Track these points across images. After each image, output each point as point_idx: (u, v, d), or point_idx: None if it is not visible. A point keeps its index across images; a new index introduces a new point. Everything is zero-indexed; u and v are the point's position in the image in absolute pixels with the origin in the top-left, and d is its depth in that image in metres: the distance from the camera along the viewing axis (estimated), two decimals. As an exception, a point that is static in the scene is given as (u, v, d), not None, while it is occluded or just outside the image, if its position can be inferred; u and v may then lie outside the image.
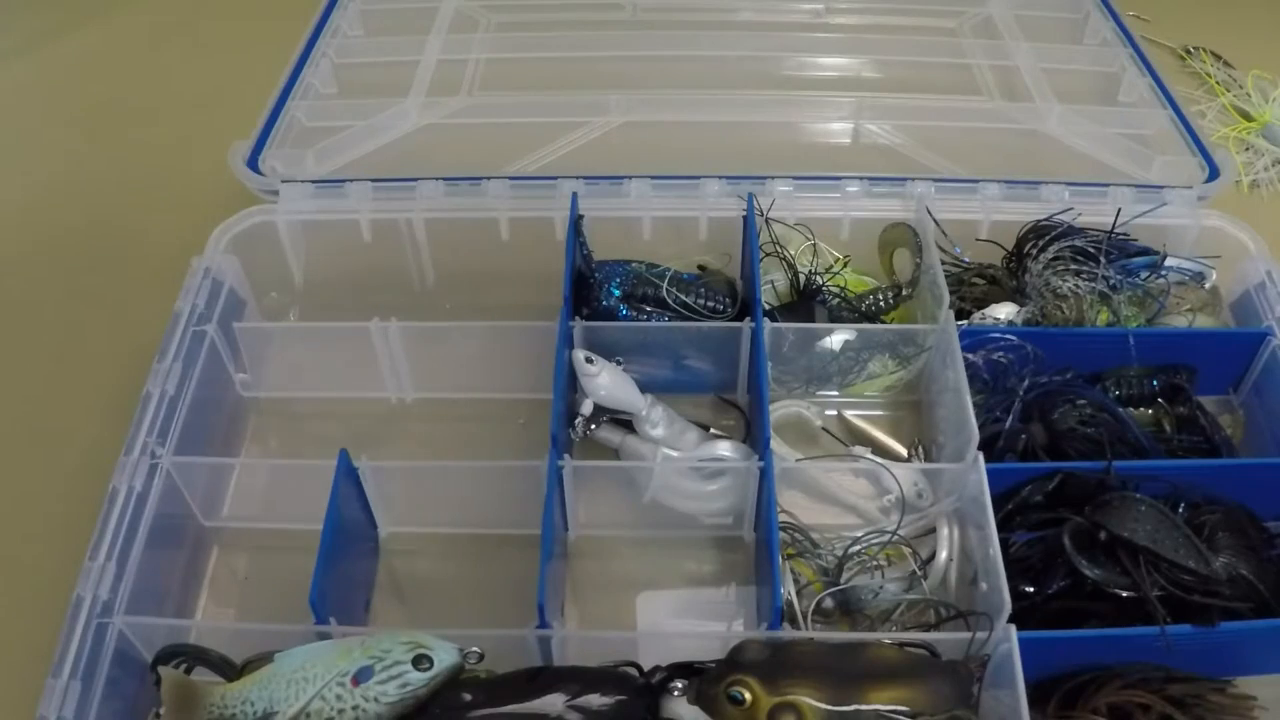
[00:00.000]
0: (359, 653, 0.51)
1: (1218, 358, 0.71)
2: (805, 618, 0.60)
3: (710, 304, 0.72)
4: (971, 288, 0.76)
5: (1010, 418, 0.66)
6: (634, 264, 0.74)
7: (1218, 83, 1.02)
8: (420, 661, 0.50)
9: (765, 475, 0.61)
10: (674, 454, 0.68)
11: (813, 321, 0.72)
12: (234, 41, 1.09)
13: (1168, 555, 0.56)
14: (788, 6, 1.02)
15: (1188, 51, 1.06)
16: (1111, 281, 0.71)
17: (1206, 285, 0.75)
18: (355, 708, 0.50)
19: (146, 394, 0.66)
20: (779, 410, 0.72)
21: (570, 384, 0.68)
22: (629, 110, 0.88)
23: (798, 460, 0.69)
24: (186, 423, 0.66)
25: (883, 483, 0.67)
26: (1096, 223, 0.74)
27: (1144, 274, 0.73)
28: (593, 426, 0.69)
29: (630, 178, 0.78)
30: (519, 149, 0.85)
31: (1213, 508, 0.60)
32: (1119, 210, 0.74)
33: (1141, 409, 0.70)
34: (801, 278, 0.75)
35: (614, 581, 0.67)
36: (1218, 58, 1.04)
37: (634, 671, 0.54)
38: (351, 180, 0.79)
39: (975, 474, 0.59)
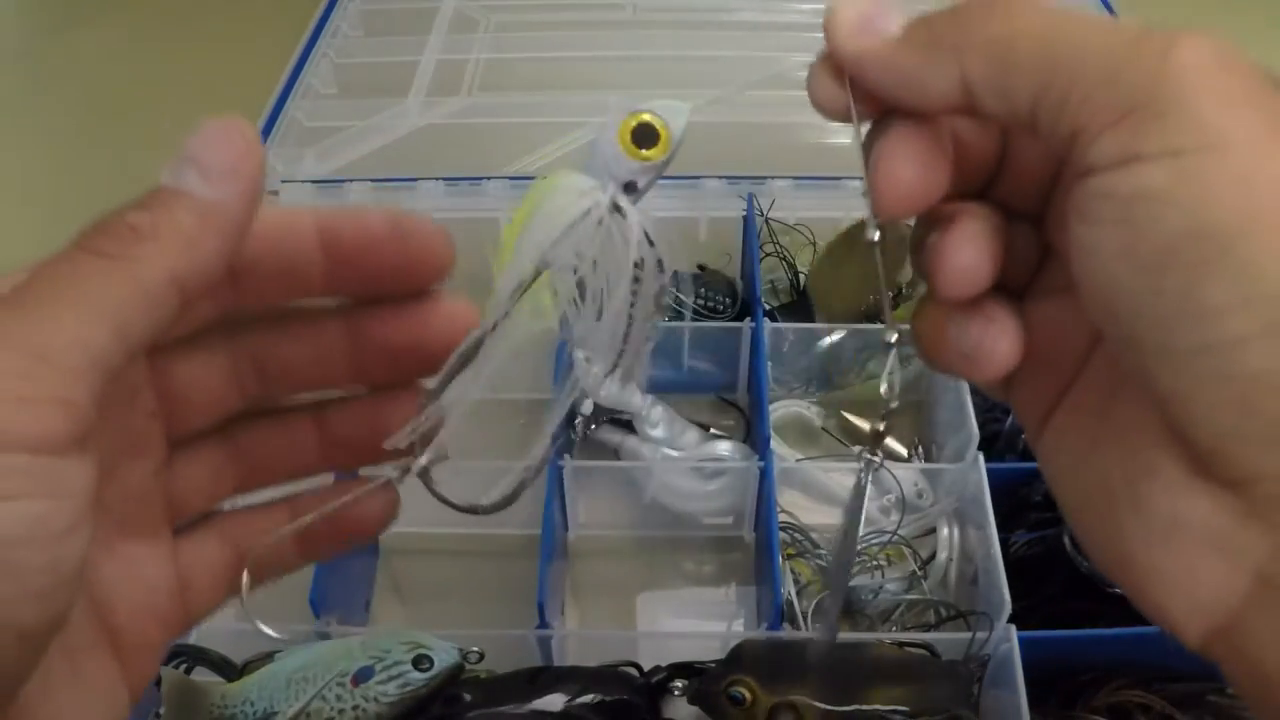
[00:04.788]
0: (359, 653, 0.51)
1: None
2: (805, 618, 0.60)
3: (710, 304, 0.72)
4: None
5: (1010, 418, 0.66)
6: (634, 264, 0.74)
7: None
8: (420, 661, 0.50)
9: (765, 475, 0.61)
10: (674, 454, 0.68)
11: (813, 321, 0.72)
12: (234, 41, 1.09)
13: (1168, 555, 0.56)
14: (788, 6, 1.02)
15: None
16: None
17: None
18: (355, 708, 0.50)
19: (147, 394, 0.66)
20: (779, 410, 0.72)
21: (570, 384, 0.67)
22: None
23: (798, 460, 0.69)
24: (187, 423, 0.66)
25: (883, 483, 0.67)
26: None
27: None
28: (593, 426, 0.69)
29: (630, 178, 0.78)
30: (519, 149, 0.85)
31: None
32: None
33: (1141, 409, 0.70)
34: (801, 278, 0.75)
35: (614, 581, 0.67)
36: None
37: (634, 671, 0.54)
38: (352, 180, 0.79)
39: (975, 474, 0.59)
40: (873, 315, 0.74)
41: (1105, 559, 0.26)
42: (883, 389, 0.27)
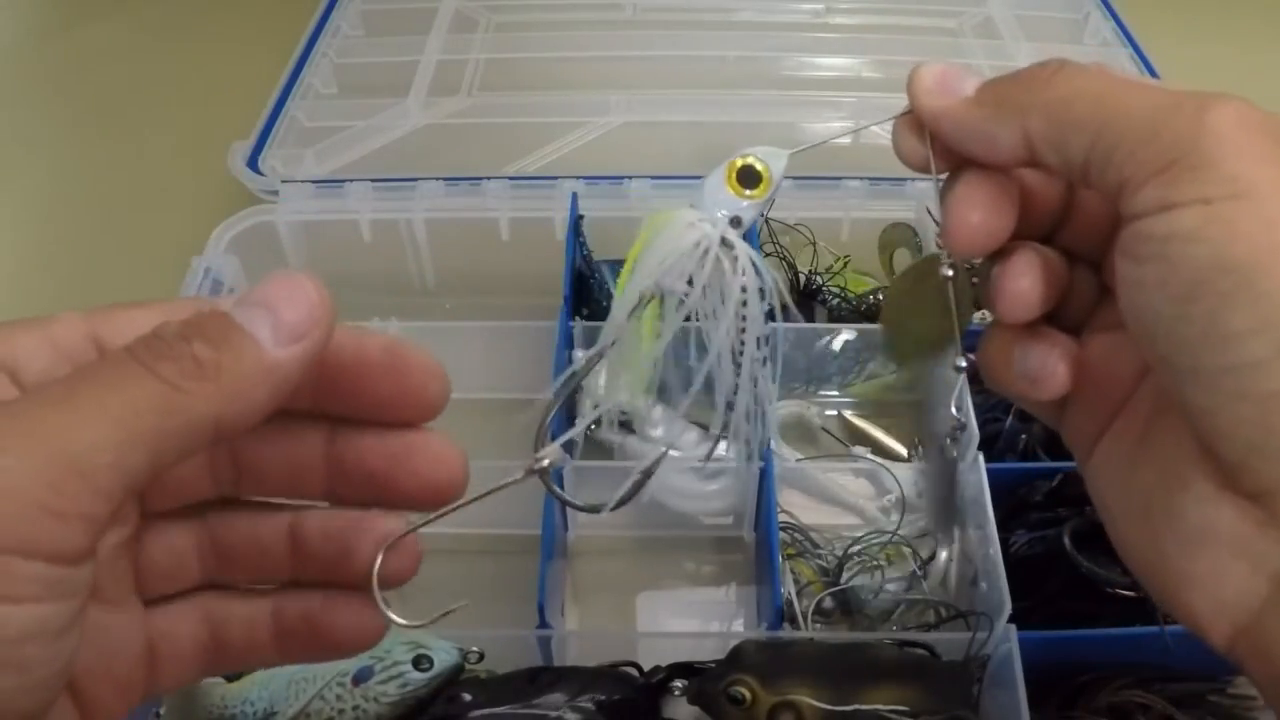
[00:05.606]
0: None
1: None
2: (805, 618, 0.60)
3: (710, 304, 0.72)
4: (972, 287, 0.76)
5: (1010, 418, 0.66)
6: (634, 264, 0.74)
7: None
8: (420, 661, 0.50)
9: (765, 475, 0.61)
10: (674, 454, 0.68)
11: (813, 321, 0.72)
12: (234, 41, 1.09)
13: (1168, 555, 0.56)
14: (788, 6, 1.02)
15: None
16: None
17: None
18: (355, 708, 0.50)
19: (147, 394, 0.66)
20: (779, 410, 0.72)
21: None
22: (629, 110, 0.88)
23: (798, 460, 0.69)
24: (187, 423, 0.66)
25: (883, 483, 0.67)
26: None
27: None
28: (593, 426, 0.69)
29: (630, 178, 0.78)
30: (519, 149, 0.85)
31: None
32: (1119, 210, 0.74)
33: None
34: (801, 278, 0.75)
35: (614, 581, 0.67)
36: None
37: (634, 671, 0.54)
38: (351, 180, 0.79)
39: (975, 474, 0.59)
40: (872, 315, 0.74)
41: (1142, 567, 0.29)
42: (953, 410, 0.30)
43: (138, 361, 0.22)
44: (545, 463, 0.28)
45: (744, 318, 0.29)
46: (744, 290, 0.29)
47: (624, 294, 0.29)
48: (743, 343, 0.29)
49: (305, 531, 0.28)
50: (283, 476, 0.28)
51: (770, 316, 0.68)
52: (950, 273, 0.31)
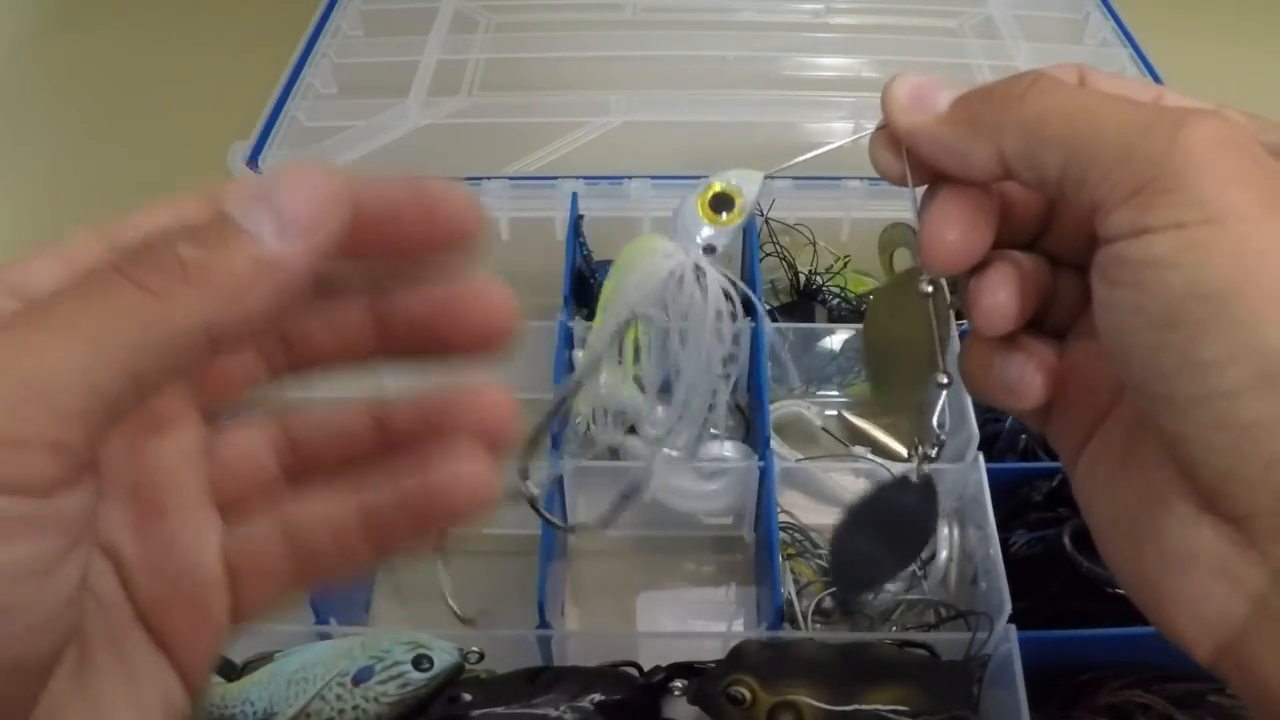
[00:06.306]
0: (359, 653, 0.51)
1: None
2: (805, 618, 0.60)
3: (710, 304, 0.72)
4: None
5: (1010, 418, 0.66)
6: (634, 264, 0.74)
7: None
8: (420, 661, 0.50)
9: (765, 475, 0.61)
10: (674, 454, 0.68)
11: (813, 321, 0.72)
12: (234, 41, 1.09)
13: (1168, 555, 0.56)
14: (788, 6, 1.02)
15: None
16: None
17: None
18: (355, 708, 0.50)
19: (147, 394, 0.66)
20: (779, 410, 0.72)
21: (570, 384, 0.68)
22: (629, 110, 0.88)
23: (798, 460, 0.69)
24: (187, 423, 0.66)
25: (883, 483, 0.67)
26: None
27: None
28: (592, 424, 0.69)
29: (630, 178, 0.78)
30: (519, 149, 0.85)
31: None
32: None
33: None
34: (801, 278, 0.75)
35: (614, 581, 0.67)
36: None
37: (634, 671, 0.54)
38: (351, 180, 0.79)
39: (975, 474, 0.59)
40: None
41: (1128, 580, 0.28)
42: (934, 421, 0.33)
43: (117, 271, 0.20)
44: (535, 490, 0.28)
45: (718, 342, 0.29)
46: (718, 316, 0.29)
47: (603, 324, 0.29)
48: (726, 373, 0.30)
49: (393, 410, 0.26)
50: (332, 341, 0.26)
51: (771, 317, 0.68)
52: (929, 289, 0.31)
